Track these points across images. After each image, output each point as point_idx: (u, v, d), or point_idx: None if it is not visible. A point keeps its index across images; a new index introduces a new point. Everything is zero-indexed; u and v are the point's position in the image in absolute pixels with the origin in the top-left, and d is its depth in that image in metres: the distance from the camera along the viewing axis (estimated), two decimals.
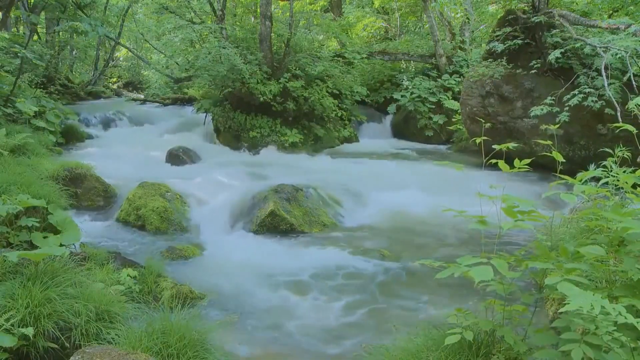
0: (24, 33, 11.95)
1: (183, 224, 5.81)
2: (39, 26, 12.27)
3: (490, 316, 2.44)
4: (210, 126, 11.40)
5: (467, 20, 14.65)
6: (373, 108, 13.51)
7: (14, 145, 5.96)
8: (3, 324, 2.55)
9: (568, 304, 1.76)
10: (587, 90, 7.49)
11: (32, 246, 3.73)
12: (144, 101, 14.70)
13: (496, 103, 8.88)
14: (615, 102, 6.94)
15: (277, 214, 5.77)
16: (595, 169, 2.76)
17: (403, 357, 2.51)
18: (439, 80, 12.74)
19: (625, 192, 2.56)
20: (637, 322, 1.69)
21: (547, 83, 8.39)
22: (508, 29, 8.82)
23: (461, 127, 10.99)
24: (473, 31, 14.95)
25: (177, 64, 13.01)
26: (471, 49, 13.74)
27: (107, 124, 12.59)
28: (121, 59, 23.30)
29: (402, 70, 13.68)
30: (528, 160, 2.50)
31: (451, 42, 13.97)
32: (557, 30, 8.44)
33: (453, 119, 11.70)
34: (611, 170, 2.83)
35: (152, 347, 2.61)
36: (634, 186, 2.52)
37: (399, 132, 12.91)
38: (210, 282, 4.34)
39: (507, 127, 8.71)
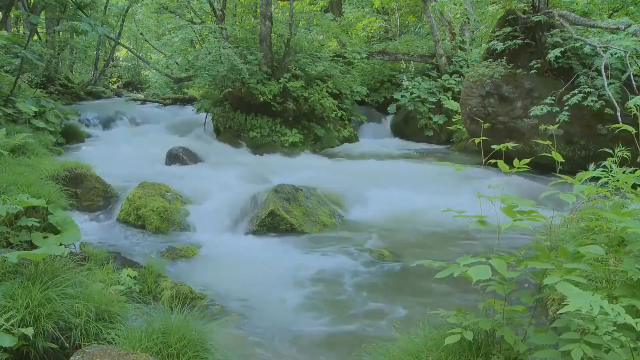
0: (24, 33, 11.95)
1: (183, 224, 5.81)
2: (38, 26, 12.26)
3: (490, 316, 2.44)
4: (210, 126, 11.40)
5: (467, 20, 14.65)
6: (373, 108, 13.51)
7: (14, 145, 5.96)
8: (3, 324, 2.55)
9: (567, 304, 1.76)
10: (587, 90, 7.49)
11: (32, 246, 3.72)
12: (144, 101, 14.69)
13: (496, 103, 8.88)
14: (615, 102, 6.94)
15: (277, 214, 5.77)
16: (594, 169, 2.76)
17: (403, 357, 2.51)
18: (439, 80, 12.73)
19: (625, 192, 2.56)
20: (637, 323, 1.69)
21: (547, 83, 8.39)
22: (508, 29, 8.82)
23: (461, 127, 10.99)
24: (473, 31, 14.95)
25: (177, 64, 13.01)
26: (471, 49, 13.73)
27: (107, 124, 12.59)
28: (121, 59, 23.29)
29: (402, 70, 13.68)
30: (527, 160, 2.49)
31: (451, 42, 13.96)
32: (557, 30, 8.44)
33: (453, 119, 11.70)
34: (611, 171, 2.83)
35: (152, 347, 2.61)
36: (634, 186, 2.52)
37: (399, 132, 12.91)
38: (211, 282, 4.34)
39: (507, 127, 8.71)
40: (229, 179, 7.29)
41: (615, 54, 7.07)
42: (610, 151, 3.12)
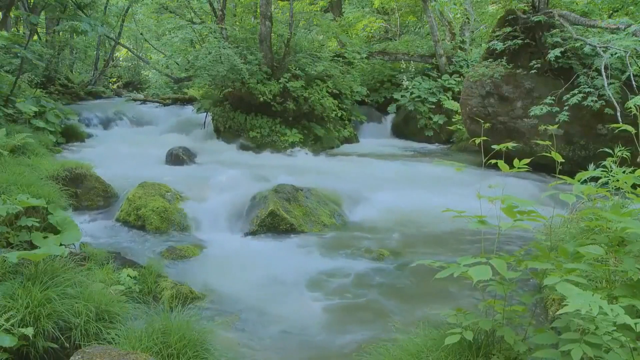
0: (24, 33, 11.94)
1: (183, 224, 5.80)
2: (38, 26, 12.26)
3: (490, 316, 2.44)
4: (210, 126, 11.40)
5: (467, 20, 14.66)
6: (373, 108, 13.52)
7: (14, 145, 5.96)
8: (3, 324, 2.55)
9: (567, 304, 1.76)
10: (587, 90, 7.49)
11: (32, 246, 3.73)
12: (144, 101, 14.69)
13: (496, 103, 8.88)
14: (615, 102, 6.94)
15: (277, 214, 5.77)
16: (594, 169, 2.76)
17: (403, 357, 2.51)
18: (439, 80, 12.74)
19: (625, 192, 2.56)
20: (635, 324, 1.69)
21: (547, 83, 8.39)
22: (508, 29, 8.83)
23: (461, 127, 11.00)
24: (473, 31, 14.96)
25: (177, 63, 13.01)
26: (471, 49, 13.74)
27: (107, 123, 12.60)
28: (121, 59, 23.29)
29: (402, 70, 13.69)
30: (527, 160, 2.50)
31: (451, 42, 13.97)
32: (557, 30, 8.44)
33: (453, 119, 11.71)
34: (611, 171, 2.83)
35: (152, 347, 2.61)
36: (634, 186, 2.52)
37: (399, 132, 12.92)
38: (211, 282, 4.34)
39: (507, 127, 8.71)
40: (229, 179, 7.27)
41: (615, 54, 7.07)
42: (610, 151, 3.13)
